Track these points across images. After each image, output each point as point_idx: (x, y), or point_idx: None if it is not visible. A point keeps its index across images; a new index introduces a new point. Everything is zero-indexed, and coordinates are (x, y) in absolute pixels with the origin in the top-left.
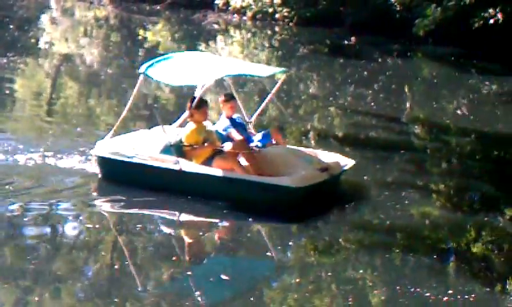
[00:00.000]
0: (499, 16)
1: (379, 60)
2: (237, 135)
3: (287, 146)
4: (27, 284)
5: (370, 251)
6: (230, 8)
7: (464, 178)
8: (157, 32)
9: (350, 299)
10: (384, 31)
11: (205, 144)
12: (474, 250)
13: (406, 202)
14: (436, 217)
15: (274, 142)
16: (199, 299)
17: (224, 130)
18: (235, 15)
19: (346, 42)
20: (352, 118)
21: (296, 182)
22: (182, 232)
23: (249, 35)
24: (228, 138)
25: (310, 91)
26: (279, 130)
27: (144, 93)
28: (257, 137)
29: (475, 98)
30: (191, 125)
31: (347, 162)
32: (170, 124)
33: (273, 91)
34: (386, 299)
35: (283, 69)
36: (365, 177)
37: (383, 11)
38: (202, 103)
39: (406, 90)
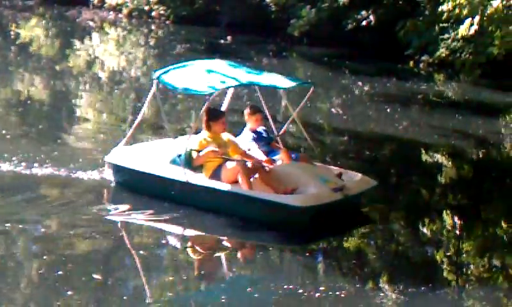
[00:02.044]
0: (371, 18)
1: (255, 59)
2: (256, 153)
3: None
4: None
5: (244, 249)
6: (105, 5)
7: None
8: (30, 28)
9: (223, 298)
10: (261, 30)
11: (207, 149)
12: (346, 246)
13: None
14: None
15: None
16: None
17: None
18: (111, 12)
19: (222, 41)
20: (227, 118)
21: (304, 201)
22: (188, 247)
23: (125, 33)
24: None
25: None
26: (308, 157)
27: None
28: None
29: (348, 98)
30: (204, 134)
31: (370, 183)
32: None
33: (300, 106)
34: (259, 297)
35: (308, 82)
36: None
37: (258, 11)
38: (219, 114)
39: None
